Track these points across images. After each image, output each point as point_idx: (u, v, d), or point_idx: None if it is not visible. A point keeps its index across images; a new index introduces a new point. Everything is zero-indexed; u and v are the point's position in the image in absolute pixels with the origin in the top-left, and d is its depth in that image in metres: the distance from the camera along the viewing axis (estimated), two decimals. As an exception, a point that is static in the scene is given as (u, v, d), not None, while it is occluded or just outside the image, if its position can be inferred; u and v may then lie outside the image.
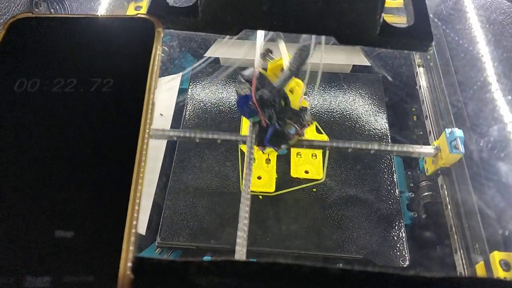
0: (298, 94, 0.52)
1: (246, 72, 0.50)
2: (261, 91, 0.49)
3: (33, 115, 0.19)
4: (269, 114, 0.50)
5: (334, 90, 0.77)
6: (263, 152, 0.61)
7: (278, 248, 0.58)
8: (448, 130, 0.57)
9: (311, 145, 0.60)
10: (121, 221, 0.16)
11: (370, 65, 0.79)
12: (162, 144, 0.70)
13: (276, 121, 0.51)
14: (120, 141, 0.18)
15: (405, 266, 0.57)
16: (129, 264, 0.15)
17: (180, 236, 0.60)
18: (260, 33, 0.57)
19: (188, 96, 0.76)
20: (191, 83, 0.78)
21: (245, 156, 0.64)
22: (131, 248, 0.16)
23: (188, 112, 0.74)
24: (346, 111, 0.74)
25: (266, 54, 0.52)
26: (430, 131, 0.65)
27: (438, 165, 0.60)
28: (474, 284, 0.17)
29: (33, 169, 0.17)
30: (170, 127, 0.72)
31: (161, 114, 0.74)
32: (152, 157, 0.68)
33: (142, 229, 0.60)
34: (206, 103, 0.75)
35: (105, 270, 0.15)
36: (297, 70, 0.45)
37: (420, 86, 0.70)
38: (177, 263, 0.17)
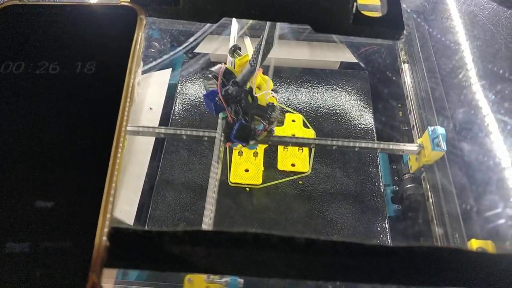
0: (265, 91, 0.52)
1: (214, 68, 0.51)
2: (227, 87, 0.49)
3: (17, 95, 0.19)
4: (235, 110, 0.51)
5: (321, 86, 0.78)
6: (233, 148, 0.62)
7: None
8: (430, 128, 0.58)
9: (296, 142, 0.60)
10: (98, 190, 0.17)
11: (357, 61, 0.80)
12: (151, 137, 0.71)
13: (243, 117, 0.51)
14: (101, 117, 0.19)
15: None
16: (105, 232, 0.16)
17: (168, 228, 0.60)
18: (234, 29, 0.58)
19: (178, 90, 0.77)
20: (181, 78, 0.79)
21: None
22: (108, 216, 0.17)
23: (177, 106, 0.74)
24: (333, 106, 0.75)
25: (234, 50, 0.53)
26: (413, 126, 0.67)
27: (421, 162, 0.61)
28: (433, 252, 0.18)
29: (17, 144, 0.18)
30: (160, 121, 0.73)
31: (150, 108, 0.75)
32: (140, 150, 0.69)
33: (130, 220, 0.61)
34: (195, 97, 0.76)
35: (81, 237, 0.16)
36: (256, 65, 0.45)
37: (404, 82, 0.71)
38: (151, 233, 0.18)
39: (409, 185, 0.63)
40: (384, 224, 0.61)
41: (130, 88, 0.20)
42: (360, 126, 0.72)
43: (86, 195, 0.17)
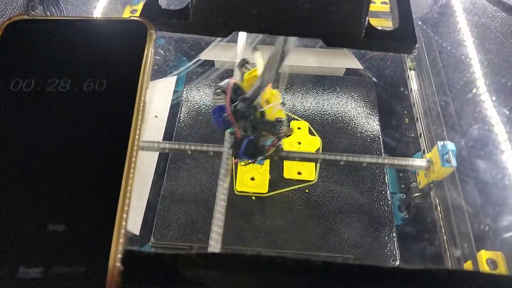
0: (274, 105, 0.51)
1: (222, 83, 0.50)
2: (236, 103, 0.48)
3: (28, 113, 0.19)
4: (244, 126, 0.49)
5: (327, 93, 0.78)
6: (240, 164, 0.61)
7: (270, 248, 0.59)
8: (440, 143, 0.57)
9: (303, 158, 0.60)
10: (111, 213, 0.16)
11: (362, 68, 0.80)
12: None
13: (252, 133, 0.50)
14: (112, 137, 0.19)
15: (395, 266, 0.57)
16: (119, 256, 0.16)
17: (174, 236, 0.60)
18: (241, 41, 0.57)
19: (183, 98, 0.77)
20: (185, 85, 0.79)
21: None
22: (121, 240, 0.16)
23: (182, 114, 0.74)
24: (339, 113, 0.75)
25: (243, 64, 0.52)
26: (420, 133, 0.66)
27: (430, 178, 0.59)
28: (452, 276, 0.18)
29: (28, 164, 0.18)
30: (165, 129, 0.73)
31: (156, 116, 0.75)
32: (146, 157, 0.69)
33: (136, 229, 0.61)
34: (200, 105, 0.76)
35: (95, 261, 0.16)
36: (267, 81, 0.44)
37: (411, 89, 0.71)
38: (165, 256, 0.17)
39: (416, 194, 0.63)
40: (391, 233, 0.60)
41: (142, 105, 0.20)
42: (366, 133, 0.72)
43: (98, 216, 0.17)
